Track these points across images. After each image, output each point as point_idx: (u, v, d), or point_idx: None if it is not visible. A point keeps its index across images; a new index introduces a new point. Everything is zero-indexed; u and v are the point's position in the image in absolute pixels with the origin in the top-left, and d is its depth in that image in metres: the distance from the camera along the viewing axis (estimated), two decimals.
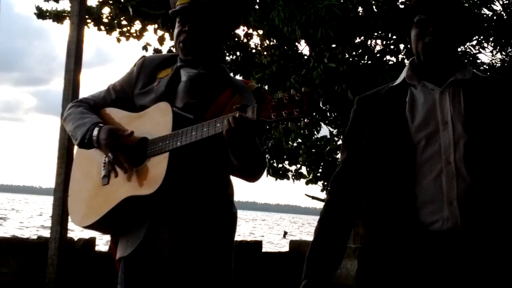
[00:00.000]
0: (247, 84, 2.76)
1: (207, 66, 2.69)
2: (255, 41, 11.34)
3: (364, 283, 2.46)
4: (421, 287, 2.31)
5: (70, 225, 6.53)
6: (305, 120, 2.16)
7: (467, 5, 6.83)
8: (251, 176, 2.65)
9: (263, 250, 10.78)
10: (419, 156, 2.35)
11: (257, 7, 9.59)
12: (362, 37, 8.50)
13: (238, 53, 11.40)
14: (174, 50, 2.97)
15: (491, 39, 10.09)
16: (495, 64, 10.25)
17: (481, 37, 9.96)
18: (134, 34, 11.54)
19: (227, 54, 11.99)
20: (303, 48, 9.64)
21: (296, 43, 9.06)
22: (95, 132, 2.59)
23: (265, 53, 8.94)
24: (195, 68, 2.69)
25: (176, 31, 2.72)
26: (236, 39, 11.89)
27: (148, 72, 2.76)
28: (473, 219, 2.27)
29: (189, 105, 2.60)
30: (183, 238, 2.52)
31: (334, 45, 7.76)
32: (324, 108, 8.98)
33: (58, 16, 11.25)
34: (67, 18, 11.05)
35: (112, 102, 2.78)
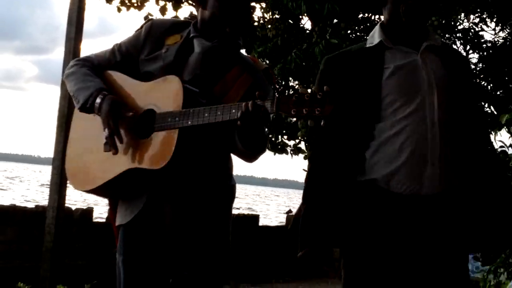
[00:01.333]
0: (256, 63, 2.73)
1: (222, 39, 2.63)
2: (257, 14, 11.26)
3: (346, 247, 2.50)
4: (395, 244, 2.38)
5: (69, 194, 6.54)
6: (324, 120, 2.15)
7: None
8: (251, 159, 2.64)
9: (260, 224, 10.83)
10: (402, 118, 2.40)
11: None
12: (366, 13, 8.45)
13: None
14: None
15: (494, 16, 10.02)
16: (497, 42, 10.19)
17: (484, 14, 9.89)
18: (135, 4, 11.44)
19: None
20: (305, 22, 9.57)
21: (300, 17, 9.00)
22: (98, 99, 2.53)
23: (269, 26, 8.88)
24: (210, 40, 2.63)
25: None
26: None
27: (156, 37, 2.69)
28: (452, 182, 2.39)
29: (197, 77, 2.56)
30: (183, 208, 2.52)
31: (336, 21, 7.71)
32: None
33: None
34: None
35: (116, 64, 2.72)
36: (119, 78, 2.68)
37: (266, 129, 2.54)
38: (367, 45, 2.57)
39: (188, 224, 2.53)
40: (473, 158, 2.44)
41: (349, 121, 2.45)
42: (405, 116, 2.39)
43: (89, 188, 2.65)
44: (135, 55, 2.70)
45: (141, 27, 2.76)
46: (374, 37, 2.56)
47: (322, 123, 2.14)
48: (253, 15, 11.20)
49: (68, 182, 2.75)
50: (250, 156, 2.60)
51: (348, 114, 2.43)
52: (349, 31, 7.89)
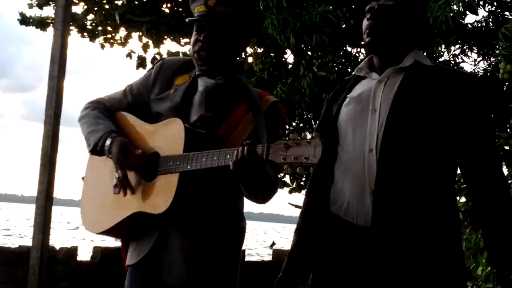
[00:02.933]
0: (264, 98, 2.68)
1: (224, 76, 2.63)
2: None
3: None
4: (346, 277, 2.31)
5: (52, 233, 6.46)
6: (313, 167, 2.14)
7: (451, 14, 6.84)
8: (260, 201, 2.59)
9: (246, 259, 10.77)
10: (349, 145, 2.33)
11: None
12: (351, 47, 8.53)
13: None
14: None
15: (474, 48, 10.14)
16: (478, 73, 10.30)
17: (465, 46, 10.01)
18: (119, 41, 11.51)
19: None
20: (288, 56, 9.65)
21: (285, 51, 9.08)
22: (108, 142, 2.54)
23: (256, 60, 8.95)
24: (213, 78, 2.63)
25: (192, 40, 2.66)
26: None
27: (166, 77, 2.70)
28: (386, 214, 2.22)
29: (203, 119, 2.55)
30: (193, 251, 2.50)
31: (320, 53, 7.77)
32: (308, 116, 8.99)
33: (42, 23, 11.19)
34: (51, 25, 11.01)
35: (128, 106, 2.73)
36: (129, 119, 2.70)
37: (272, 170, 2.49)
38: (347, 78, 2.57)
39: (196, 268, 2.50)
40: (411, 190, 2.23)
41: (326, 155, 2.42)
42: (352, 145, 2.34)
43: (100, 230, 2.65)
44: (146, 96, 2.71)
45: (152, 67, 2.78)
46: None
47: (311, 169, 2.13)
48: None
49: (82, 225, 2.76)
50: (257, 199, 2.55)
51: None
52: (334, 64, 7.95)
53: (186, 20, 2.70)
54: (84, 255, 10.61)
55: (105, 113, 2.71)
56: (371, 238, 2.24)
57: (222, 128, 2.54)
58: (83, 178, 2.82)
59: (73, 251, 8.66)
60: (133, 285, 2.61)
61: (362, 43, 2.46)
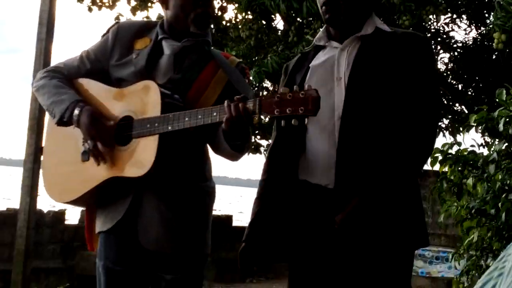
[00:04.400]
0: (229, 58, 2.70)
1: (191, 39, 2.60)
2: (229, 14, 11.25)
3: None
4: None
5: (40, 196, 6.48)
6: (308, 119, 2.13)
7: None
8: (237, 158, 2.62)
9: (234, 224, 10.82)
10: (319, 114, 2.27)
11: None
12: None
13: (211, 27, 11.30)
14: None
15: (464, 16, 10.12)
16: (468, 42, 10.29)
17: (454, 15, 9.99)
18: (107, 4, 11.38)
19: None
20: (277, 22, 9.58)
21: (273, 17, 9.02)
22: (76, 111, 2.50)
23: (243, 26, 8.88)
24: (178, 40, 2.61)
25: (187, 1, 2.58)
26: None
27: (124, 42, 2.65)
28: (346, 178, 2.26)
29: (172, 81, 2.54)
30: (168, 213, 2.51)
31: (310, 20, 7.73)
32: None
33: None
34: None
35: (86, 72, 2.68)
36: (92, 86, 2.65)
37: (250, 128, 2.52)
38: (306, 48, 2.57)
39: (167, 228, 2.52)
40: (373, 152, 2.27)
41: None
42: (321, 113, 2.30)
43: (68, 199, 2.62)
44: (104, 61, 2.66)
45: (107, 31, 2.72)
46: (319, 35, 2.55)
47: (306, 122, 2.13)
48: (224, 15, 11.21)
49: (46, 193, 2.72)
50: (237, 155, 2.57)
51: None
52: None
53: None
54: (71, 218, 10.64)
55: (64, 82, 2.65)
56: (335, 198, 2.28)
57: (193, 89, 2.54)
58: (41, 149, 2.77)
59: (60, 214, 8.68)
60: (108, 250, 2.58)
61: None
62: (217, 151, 2.63)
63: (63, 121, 2.54)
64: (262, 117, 2.26)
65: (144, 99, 2.48)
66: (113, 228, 2.54)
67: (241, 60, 2.76)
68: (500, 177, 4.01)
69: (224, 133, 2.37)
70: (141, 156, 2.43)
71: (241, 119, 2.22)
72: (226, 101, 2.25)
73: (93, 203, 2.65)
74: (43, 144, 2.80)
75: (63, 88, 2.61)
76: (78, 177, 2.57)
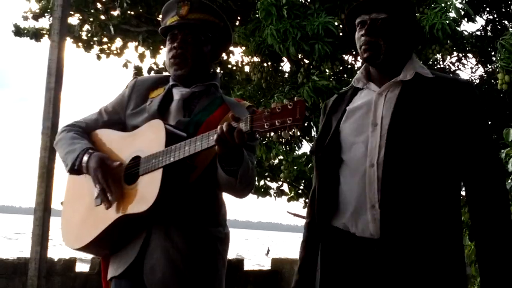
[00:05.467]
0: (240, 103, 2.74)
1: (200, 84, 2.69)
2: (235, 58, 11.34)
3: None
4: None
5: (51, 245, 6.46)
6: (297, 129, 2.13)
7: (448, 22, 6.86)
8: (240, 192, 2.59)
9: (245, 268, 10.74)
10: (350, 160, 2.33)
11: (237, 23, 9.61)
12: (347, 54, 8.53)
13: (218, 70, 11.40)
14: (157, 68, 2.96)
15: (470, 55, 10.15)
16: (474, 81, 10.31)
17: (460, 54, 10.02)
18: (115, 52, 11.50)
19: None
20: (284, 64, 9.66)
21: (283, 59, 9.09)
22: (85, 158, 2.57)
23: (253, 69, 8.95)
24: (188, 87, 2.69)
25: (167, 48, 2.72)
26: None
27: (140, 93, 2.75)
28: (392, 225, 2.21)
29: (181, 123, 2.58)
30: (175, 253, 2.49)
31: (317, 62, 7.78)
32: (305, 124, 8.99)
33: (36, 34, 11.18)
34: (46, 35, 10.99)
35: (103, 124, 2.77)
36: (106, 134, 2.72)
37: (249, 157, 2.52)
38: (344, 89, 2.55)
39: (173, 270, 2.48)
40: (416, 203, 2.22)
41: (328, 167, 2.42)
42: (353, 159, 2.33)
43: (81, 244, 2.62)
44: (121, 112, 2.75)
45: (126, 86, 2.82)
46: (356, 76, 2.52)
47: (294, 133, 2.12)
48: (229, 59, 11.31)
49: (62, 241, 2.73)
50: (234, 184, 2.49)
51: (327, 159, 2.42)
52: (332, 72, 7.97)
53: (159, 30, 2.76)
54: (82, 266, 10.59)
55: (80, 133, 2.73)
56: (376, 249, 2.23)
57: (200, 130, 2.54)
58: (62, 203, 2.80)
59: (71, 262, 8.64)
60: None
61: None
62: (219, 186, 2.59)
63: (74, 169, 2.61)
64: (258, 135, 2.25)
65: (150, 137, 2.52)
66: (124, 273, 2.53)
67: (251, 104, 2.78)
68: None
69: (218, 157, 2.38)
70: (146, 191, 2.43)
71: (232, 137, 2.23)
72: None
73: (106, 248, 2.64)
74: (63, 198, 2.82)
75: (78, 139, 2.68)
76: (91, 221, 2.59)
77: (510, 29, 8.39)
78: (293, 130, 2.12)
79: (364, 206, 2.26)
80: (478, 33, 9.77)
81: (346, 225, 2.32)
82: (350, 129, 2.36)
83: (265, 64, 8.88)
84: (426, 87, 2.34)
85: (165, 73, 2.86)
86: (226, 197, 2.68)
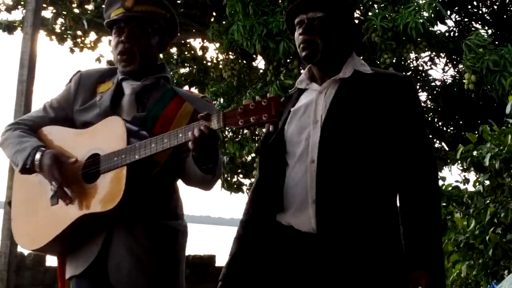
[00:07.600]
0: (193, 94, 2.74)
1: (150, 77, 2.64)
2: (210, 54, 11.33)
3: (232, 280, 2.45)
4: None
5: None
6: (274, 126, 2.14)
7: (421, 21, 6.93)
8: (210, 185, 2.58)
9: (217, 264, 10.74)
10: (294, 157, 2.35)
11: (212, 19, 9.60)
12: None
13: (193, 66, 11.38)
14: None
15: (442, 55, 10.25)
16: (446, 80, 10.41)
17: (433, 53, 10.12)
18: (88, 45, 11.43)
19: (181, 66, 11.97)
20: (259, 62, 9.66)
21: (254, 57, 9.10)
22: (37, 156, 2.48)
23: (225, 66, 8.95)
24: (138, 80, 2.63)
25: (113, 43, 2.66)
26: (192, 51, 11.85)
27: (88, 88, 2.66)
28: (328, 220, 2.25)
29: (137, 118, 2.54)
30: (139, 250, 2.47)
31: (288, 60, 7.81)
32: None
33: (9, 27, 11.07)
34: (19, 28, 10.89)
35: (50, 121, 2.67)
36: (56, 131, 2.64)
37: (220, 154, 2.50)
38: (290, 91, 2.58)
39: (138, 267, 2.47)
40: (352, 197, 2.26)
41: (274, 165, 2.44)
42: (297, 156, 2.36)
43: (40, 245, 2.56)
44: (68, 109, 2.67)
45: (70, 80, 2.73)
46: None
47: (270, 129, 2.13)
48: (205, 55, 11.29)
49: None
50: (209, 180, 2.49)
51: (273, 159, 2.44)
52: (301, 71, 8.01)
53: (104, 23, 2.71)
54: (52, 261, 10.51)
55: (27, 131, 2.64)
56: (315, 244, 2.27)
57: (158, 125, 2.54)
58: (9, 203, 2.73)
59: (41, 257, 8.57)
60: None
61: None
62: (189, 182, 2.60)
63: (26, 168, 2.51)
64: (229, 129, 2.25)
65: (109, 134, 2.46)
66: (85, 272, 2.49)
67: (204, 95, 2.77)
68: (491, 210, 4.04)
69: (193, 157, 2.36)
70: (111, 189, 2.39)
71: (206, 137, 2.22)
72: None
73: (63, 247, 2.58)
74: (12, 197, 2.73)
75: (26, 137, 2.59)
76: (49, 222, 2.51)
77: (476, 30, 8.50)
78: (269, 125, 2.13)
79: (306, 202, 2.29)
80: (448, 34, 9.90)
81: (290, 221, 2.34)
82: (294, 129, 2.38)
83: (237, 62, 8.88)
84: (364, 83, 2.38)
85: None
86: (199, 195, 2.67)
